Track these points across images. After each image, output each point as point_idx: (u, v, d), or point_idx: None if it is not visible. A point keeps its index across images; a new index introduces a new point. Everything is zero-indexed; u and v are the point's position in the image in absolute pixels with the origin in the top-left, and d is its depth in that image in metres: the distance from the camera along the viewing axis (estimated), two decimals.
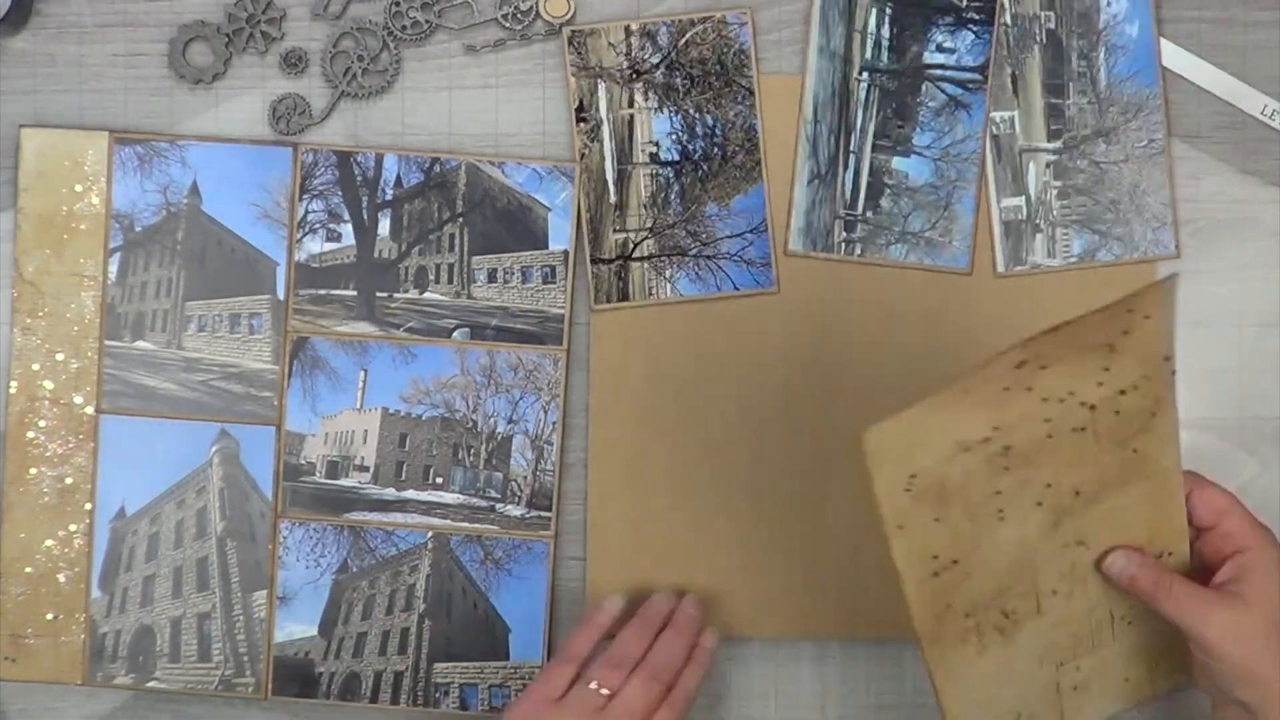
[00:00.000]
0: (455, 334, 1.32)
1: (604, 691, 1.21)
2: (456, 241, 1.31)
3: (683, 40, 1.29)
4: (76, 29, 1.32)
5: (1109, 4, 1.28)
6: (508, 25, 1.29)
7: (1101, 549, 1.10)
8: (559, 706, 1.21)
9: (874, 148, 1.29)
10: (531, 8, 1.29)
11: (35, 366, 1.31)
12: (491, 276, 1.31)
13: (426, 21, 1.30)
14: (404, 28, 1.30)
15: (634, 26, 1.29)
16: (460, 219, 1.31)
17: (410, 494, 1.32)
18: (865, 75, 1.29)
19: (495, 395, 1.31)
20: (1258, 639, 1.08)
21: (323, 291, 1.31)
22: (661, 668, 1.23)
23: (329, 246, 1.31)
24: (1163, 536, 1.11)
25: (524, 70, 1.31)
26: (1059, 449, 1.01)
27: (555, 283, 1.31)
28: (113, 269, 1.31)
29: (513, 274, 1.31)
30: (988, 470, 0.99)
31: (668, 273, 1.30)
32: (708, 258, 1.30)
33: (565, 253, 1.31)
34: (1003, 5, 1.28)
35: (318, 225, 1.31)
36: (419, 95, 1.31)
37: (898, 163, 1.29)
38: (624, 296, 1.30)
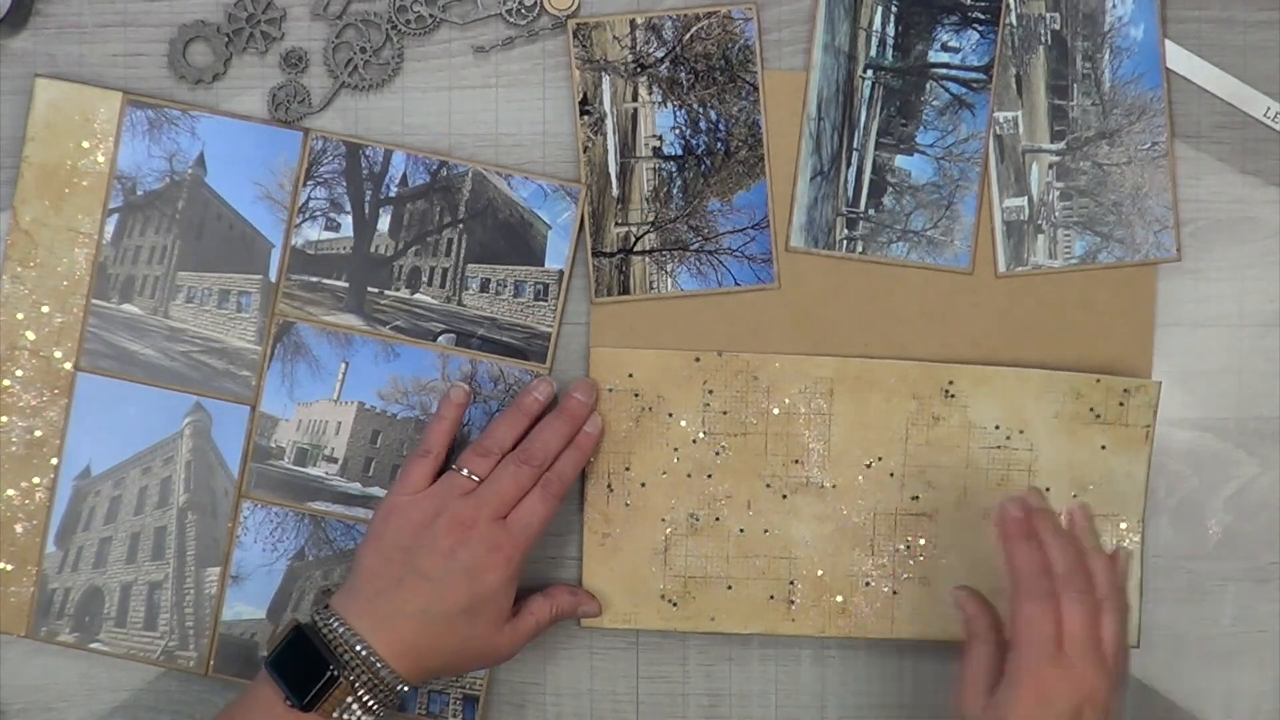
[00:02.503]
0: (441, 338, 1.32)
1: (473, 477, 1.21)
2: (454, 247, 1.32)
3: (688, 35, 1.29)
4: (76, 29, 1.32)
5: (1114, 6, 1.28)
6: (511, 20, 1.30)
7: None
8: (424, 494, 1.21)
9: (877, 145, 1.29)
10: (536, 3, 1.30)
11: (19, 316, 1.31)
12: (484, 286, 1.32)
13: (430, 15, 1.30)
14: (407, 21, 1.30)
15: (639, 20, 1.30)
16: (460, 225, 1.32)
17: (376, 490, 1.32)
18: (869, 73, 1.29)
19: (473, 405, 1.31)
20: None
21: (314, 279, 1.31)
22: (533, 453, 1.23)
23: (326, 235, 1.32)
24: None
25: (524, 70, 1.31)
26: None
27: (546, 301, 1.31)
28: (109, 229, 1.31)
29: (505, 286, 1.31)
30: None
31: (669, 267, 1.30)
32: (709, 253, 1.30)
33: (560, 272, 1.31)
34: (1008, 5, 1.28)
35: (318, 213, 1.31)
36: (419, 95, 1.32)
37: (900, 161, 1.30)
38: (625, 290, 1.30)
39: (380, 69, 1.31)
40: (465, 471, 1.22)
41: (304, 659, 1.16)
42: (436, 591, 1.18)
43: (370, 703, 1.16)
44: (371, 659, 1.15)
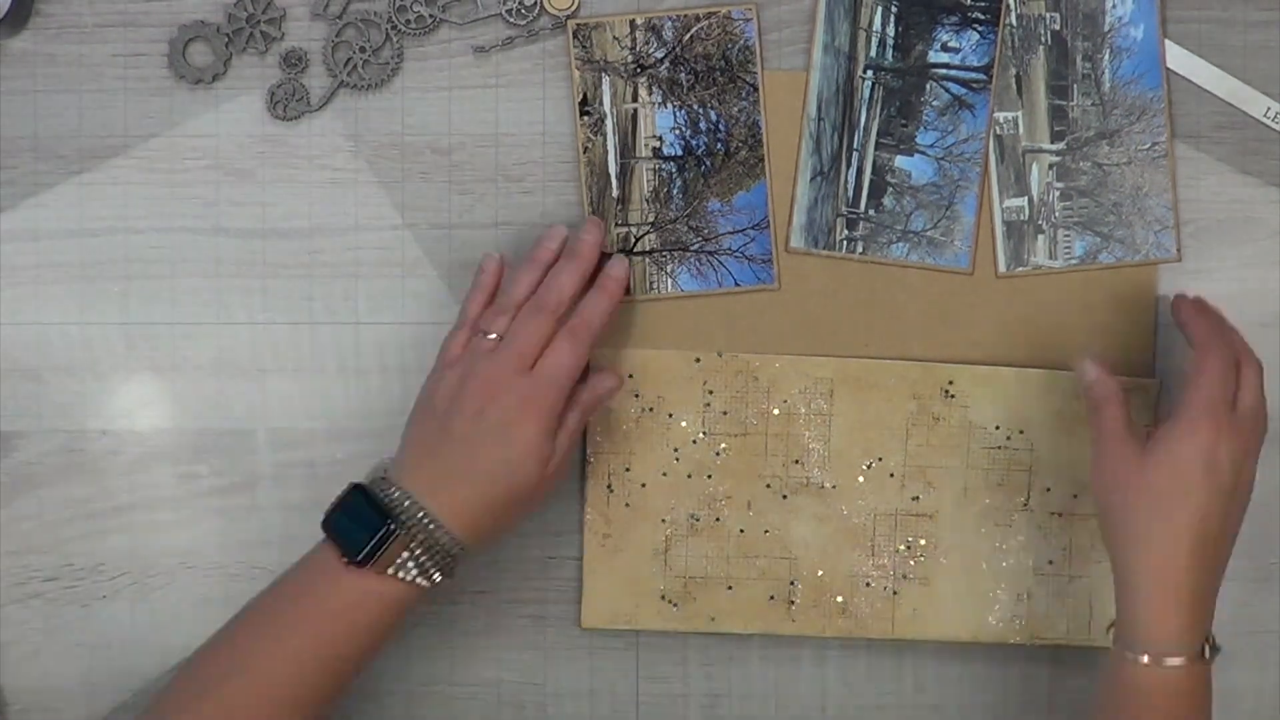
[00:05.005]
0: None
1: (491, 336, 1.20)
2: None
3: (687, 35, 1.29)
4: (76, 29, 1.32)
5: (1114, 6, 1.28)
6: (511, 20, 1.30)
7: None
8: (454, 362, 1.21)
9: (877, 146, 1.29)
10: (536, 3, 1.30)
11: None
12: None
13: (430, 15, 1.30)
14: (407, 21, 1.30)
15: (639, 21, 1.30)
16: None
17: None
18: (869, 73, 1.29)
19: None
20: (1132, 500, 1.14)
21: None
22: (546, 299, 1.22)
23: None
24: None
25: (524, 70, 1.31)
26: None
27: None
28: None
29: None
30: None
31: (669, 268, 1.30)
32: (709, 253, 1.30)
33: None
34: (1008, 5, 1.28)
35: None
36: (419, 95, 1.31)
37: (901, 161, 1.29)
38: (625, 291, 1.30)
39: (380, 69, 1.31)
40: (486, 333, 1.21)
41: (360, 518, 1.16)
42: (472, 452, 1.18)
43: (425, 560, 1.15)
44: (424, 518, 1.15)
